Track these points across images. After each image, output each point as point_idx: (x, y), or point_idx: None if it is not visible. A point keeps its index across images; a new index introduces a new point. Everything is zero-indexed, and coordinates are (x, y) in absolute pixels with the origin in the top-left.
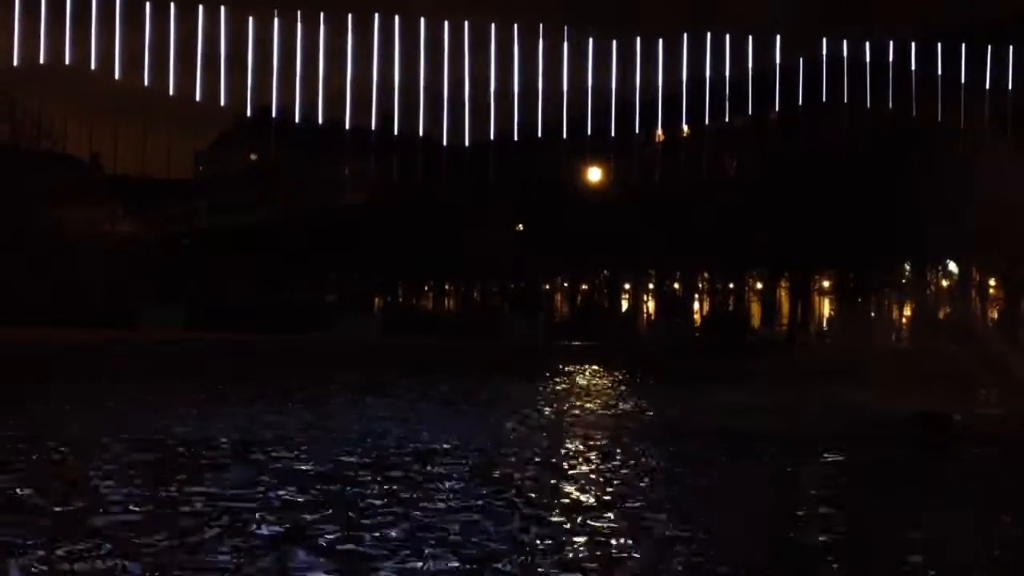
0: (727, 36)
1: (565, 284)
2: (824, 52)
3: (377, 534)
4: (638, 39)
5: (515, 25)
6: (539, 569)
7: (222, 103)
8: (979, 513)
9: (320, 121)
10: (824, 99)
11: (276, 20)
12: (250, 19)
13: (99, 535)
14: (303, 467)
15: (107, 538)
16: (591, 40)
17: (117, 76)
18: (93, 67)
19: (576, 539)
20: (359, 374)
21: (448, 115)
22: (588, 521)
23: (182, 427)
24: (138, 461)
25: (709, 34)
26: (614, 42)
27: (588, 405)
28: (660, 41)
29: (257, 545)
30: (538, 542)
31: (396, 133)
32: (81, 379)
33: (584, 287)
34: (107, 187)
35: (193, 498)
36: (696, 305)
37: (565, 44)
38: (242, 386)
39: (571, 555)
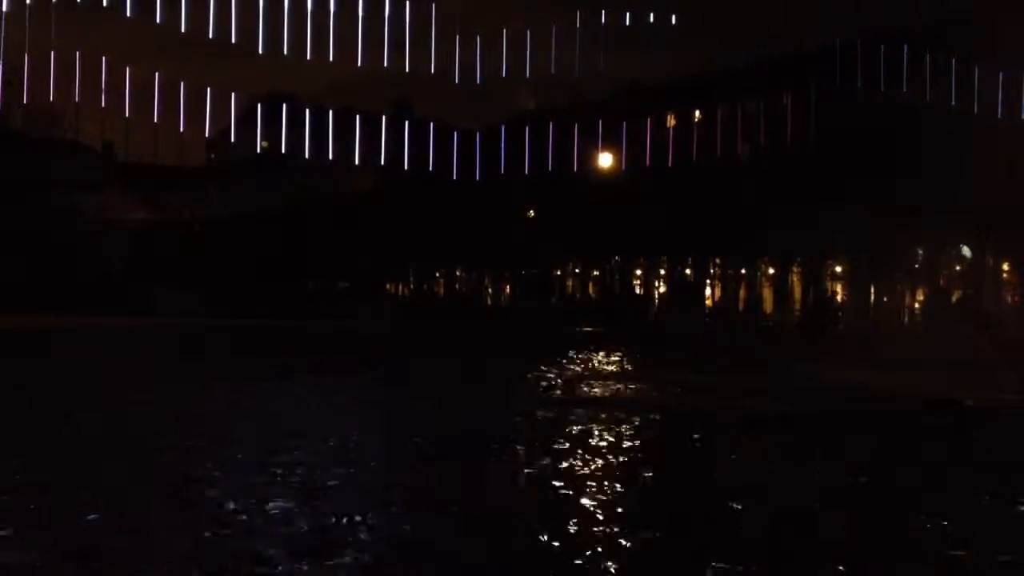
0: (741, 20)
1: (577, 270)
2: (838, 36)
3: None
4: (651, 21)
5: (526, 8)
6: None
7: (233, 90)
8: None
9: (330, 107)
10: (838, 84)
11: (286, 5)
12: (260, 5)
13: None
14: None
15: None
16: (602, 22)
17: (127, 64)
18: (103, 55)
19: None
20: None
21: (459, 100)
22: None
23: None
24: None
25: (722, 17)
26: (627, 24)
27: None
28: (674, 24)
29: None
30: None
31: (407, 119)
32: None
33: (596, 273)
34: (119, 175)
35: None
36: (708, 291)
37: (578, 27)
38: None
39: None
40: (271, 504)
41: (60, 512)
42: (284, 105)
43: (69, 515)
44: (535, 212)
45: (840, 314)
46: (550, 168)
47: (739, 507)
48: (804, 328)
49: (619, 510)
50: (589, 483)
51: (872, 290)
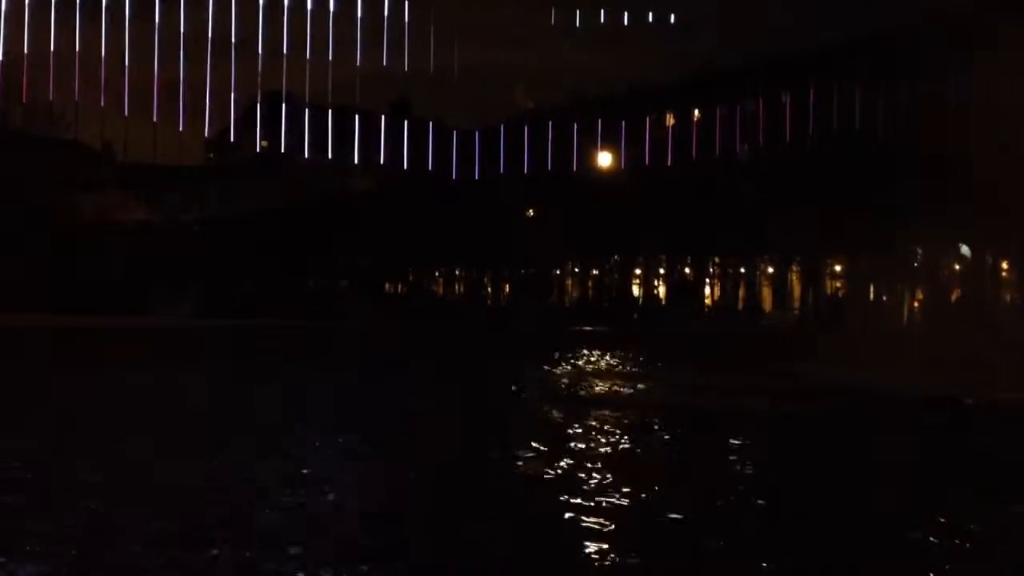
0: (739, 17)
1: (576, 269)
2: (838, 36)
3: None
4: (650, 19)
5: (525, 8)
6: None
7: (232, 90)
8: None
9: (330, 107)
10: (837, 82)
11: (286, 5)
12: (260, 4)
13: None
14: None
15: None
16: (602, 21)
17: (127, 63)
18: (103, 54)
19: None
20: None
21: (459, 100)
22: None
23: None
24: None
25: (720, 15)
26: (625, 23)
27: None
28: (672, 23)
29: None
30: None
31: (406, 118)
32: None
33: (595, 272)
34: (118, 175)
35: None
36: (707, 290)
37: (577, 27)
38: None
39: None
40: None
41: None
42: (283, 105)
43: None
44: (534, 212)
45: (842, 312)
46: (549, 168)
47: (737, 508)
48: (805, 327)
49: (620, 511)
50: (588, 485)
51: (872, 289)
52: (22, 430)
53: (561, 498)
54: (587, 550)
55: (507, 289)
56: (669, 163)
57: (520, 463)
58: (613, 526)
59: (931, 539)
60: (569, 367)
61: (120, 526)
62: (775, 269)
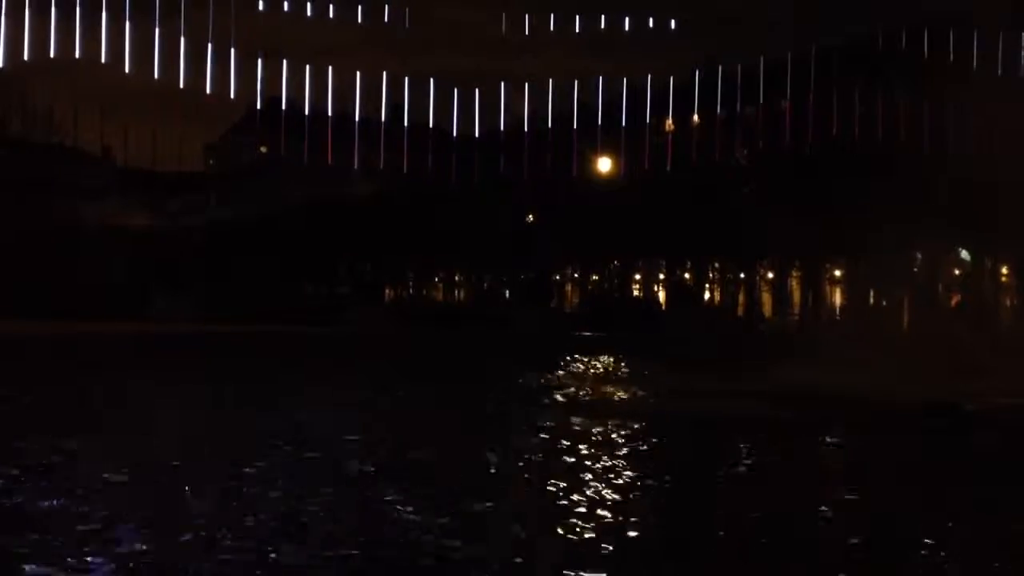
0: (739, 23)
1: (576, 275)
2: (836, 39)
3: None
4: (650, 24)
5: (526, 15)
6: None
7: (232, 95)
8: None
9: (330, 112)
10: (835, 87)
11: (285, 7)
12: (259, 9)
13: None
14: None
15: None
16: (601, 27)
17: (127, 69)
18: (103, 60)
19: None
20: None
21: (458, 105)
22: None
23: None
24: None
25: (720, 21)
26: (625, 28)
27: None
28: (672, 28)
29: None
30: None
31: (406, 124)
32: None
33: (595, 277)
34: (118, 180)
35: None
36: (707, 295)
37: (577, 31)
38: None
39: None
40: None
41: None
42: (283, 110)
43: None
44: (534, 217)
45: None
46: (549, 172)
47: (734, 512)
48: (806, 332)
49: (616, 514)
50: (583, 490)
51: (872, 294)
52: None
53: (555, 504)
54: (574, 556)
55: (507, 294)
56: (668, 167)
57: (513, 470)
58: (609, 530)
59: (931, 545)
60: (568, 373)
61: None
62: (775, 274)
